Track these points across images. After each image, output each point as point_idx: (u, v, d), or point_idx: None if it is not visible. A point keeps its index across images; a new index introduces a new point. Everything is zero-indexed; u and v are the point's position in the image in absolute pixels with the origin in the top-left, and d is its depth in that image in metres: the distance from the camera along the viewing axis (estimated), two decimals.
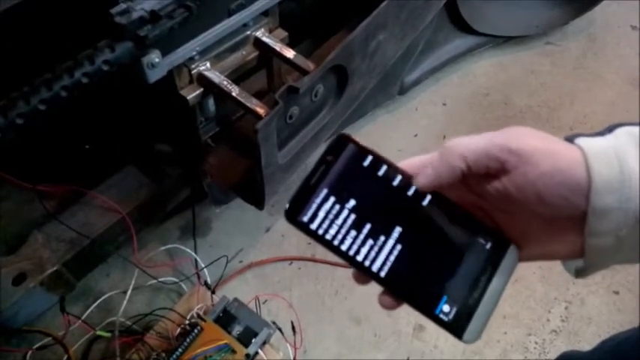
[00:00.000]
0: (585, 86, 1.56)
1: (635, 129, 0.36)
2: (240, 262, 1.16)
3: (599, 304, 1.14)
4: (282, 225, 1.22)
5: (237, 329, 0.94)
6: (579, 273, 0.40)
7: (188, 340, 0.90)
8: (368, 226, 0.39)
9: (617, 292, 1.16)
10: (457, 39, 1.49)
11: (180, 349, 0.89)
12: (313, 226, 0.39)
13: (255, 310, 0.99)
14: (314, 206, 0.39)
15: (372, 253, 0.38)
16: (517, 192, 0.36)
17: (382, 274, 0.38)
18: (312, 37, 1.13)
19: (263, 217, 1.22)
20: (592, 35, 1.70)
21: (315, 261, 1.17)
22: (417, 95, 1.48)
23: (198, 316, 0.95)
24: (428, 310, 0.37)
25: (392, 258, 0.38)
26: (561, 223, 0.37)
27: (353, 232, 0.39)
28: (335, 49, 0.87)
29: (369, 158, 0.40)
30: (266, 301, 1.09)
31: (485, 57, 1.60)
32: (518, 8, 1.54)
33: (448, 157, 0.37)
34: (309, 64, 0.88)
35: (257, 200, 0.95)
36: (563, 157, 0.35)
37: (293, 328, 1.02)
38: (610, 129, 0.37)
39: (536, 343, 1.09)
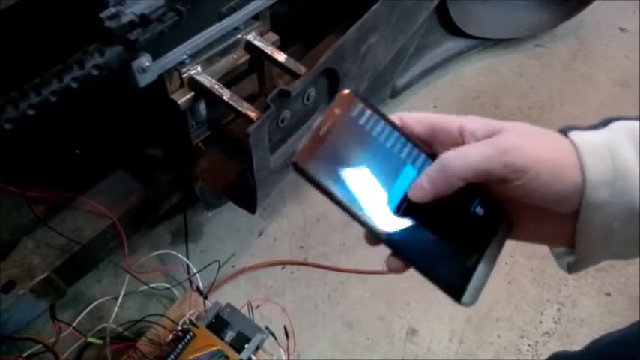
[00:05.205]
0: (575, 88, 1.57)
1: (632, 124, 0.37)
2: (233, 266, 1.16)
3: (590, 306, 1.15)
4: (275, 229, 1.22)
5: (229, 335, 0.93)
6: (572, 267, 0.41)
7: (180, 346, 0.89)
8: (374, 182, 0.39)
9: (608, 294, 1.16)
10: (448, 42, 1.49)
11: (172, 356, 0.88)
12: (319, 180, 0.38)
13: (247, 315, 0.98)
14: (320, 159, 0.38)
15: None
16: (515, 196, 0.37)
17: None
18: (304, 40, 1.13)
19: (255, 221, 1.21)
20: (581, 38, 1.71)
21: (308, 265, 1.16)
22: (408, 98, 1.48)
23: (191, 321, 0.94)
24: (428, 270, 0.38)
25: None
26: (555, 215, 0.38)
27: (357, 188, 0.39)
28: (326, 53, 0.87)
29: (375, 116, 0.40)
30: (259, 305, 1.09)
31: (476, 60, 1.61)
32: (507, 11, 1.55)
33: (447, 177, 0.37)
34: (300, 68, 0.88)
35: (249, 204, 0.94)
36: (562, 164, 0.36)
37: (286, 332, 1.01)
38: (604, 123, 0.38)
39: (529, 345, 1.09)
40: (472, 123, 0.40)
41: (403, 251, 0.39)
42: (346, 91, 0.40)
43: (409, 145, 0.40)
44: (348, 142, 0.39)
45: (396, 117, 0.41)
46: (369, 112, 0.40)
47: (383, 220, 0.39)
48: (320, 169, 0.38)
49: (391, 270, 0.39)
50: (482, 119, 0.40)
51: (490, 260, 0.39)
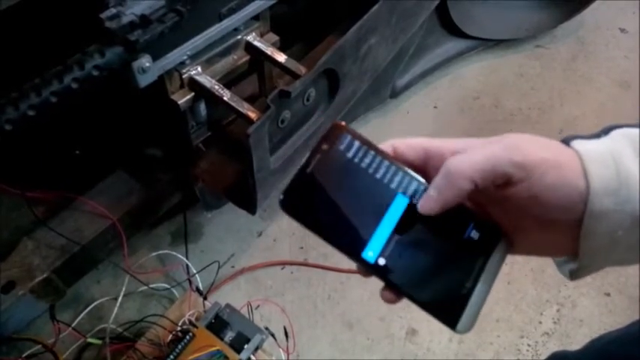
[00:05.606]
0: (575, 89, 1.57)
1: (633, 131, 0.36)
2: (232, 267, 1.16)
3: (590, 306, 1.15)
4: (274, 229, 1.22)
5: (229, 335, 0.93)
6: (573, 275, 0.40)
7: (180, 346, 0.89)
8: (364, 215, 0.38)
9: (608, 294, 1.16)
10: (448, 42, 1.49)
11: (172, 356, 0.88)
12: (308, 217, 0.38)
13: (247, 315, 0.98)
14: (309, 195, 0.38)
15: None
16: (519, 200, 0.36)
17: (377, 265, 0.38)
18: (304, 41, 1.13)
19: (255, 222, 1.21)
20: (581, 38, 1.71)
21: (308, 265, 1.16)
22: (408, 98, 1.48)
23: (190, 322, 0.94)
24: (422, 301, 0.38)
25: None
26: (557, 224, 0.37)
27: (348, 222, 0.38)
28: (326, 53, 0.87)
29: (364, 147, 0.40)
30: (258, 306, 1.09)
31: (476, 60, 1.61)
32: (508, 11, 1.55)
33: (455, 180, 0.36)
34: (300, 68, 0.88)
35: (249, 205, 0.94)
36: (567, 168, 0.35)
37: (286, 333, 1.01)
38: (605, 131, 0.38)
39: (528, 345, 1.09)
40: (468, 144, 0.38)
41: (396, 283, 0.38)
42: (335, 124, 0.40)
43: (400, 174, 0.39)
44: (336, 177, 0.39)
45: (387, 145, 0.40)
46: (357, 143, 0.40)
47: (374, 252, 0.38)
48: (307, 206, 0.38)
49: (386, 301, 0.39)
50: (478, 140, 0.38)
51: (486, 284, 0.38)
